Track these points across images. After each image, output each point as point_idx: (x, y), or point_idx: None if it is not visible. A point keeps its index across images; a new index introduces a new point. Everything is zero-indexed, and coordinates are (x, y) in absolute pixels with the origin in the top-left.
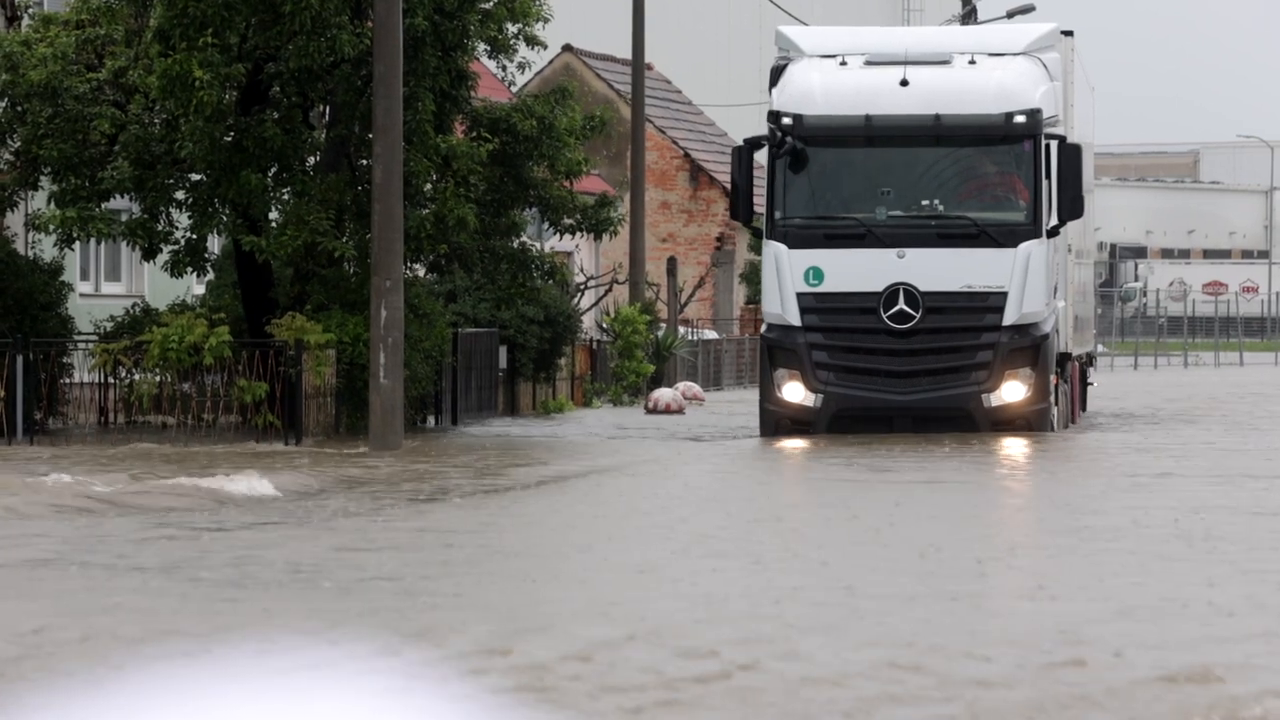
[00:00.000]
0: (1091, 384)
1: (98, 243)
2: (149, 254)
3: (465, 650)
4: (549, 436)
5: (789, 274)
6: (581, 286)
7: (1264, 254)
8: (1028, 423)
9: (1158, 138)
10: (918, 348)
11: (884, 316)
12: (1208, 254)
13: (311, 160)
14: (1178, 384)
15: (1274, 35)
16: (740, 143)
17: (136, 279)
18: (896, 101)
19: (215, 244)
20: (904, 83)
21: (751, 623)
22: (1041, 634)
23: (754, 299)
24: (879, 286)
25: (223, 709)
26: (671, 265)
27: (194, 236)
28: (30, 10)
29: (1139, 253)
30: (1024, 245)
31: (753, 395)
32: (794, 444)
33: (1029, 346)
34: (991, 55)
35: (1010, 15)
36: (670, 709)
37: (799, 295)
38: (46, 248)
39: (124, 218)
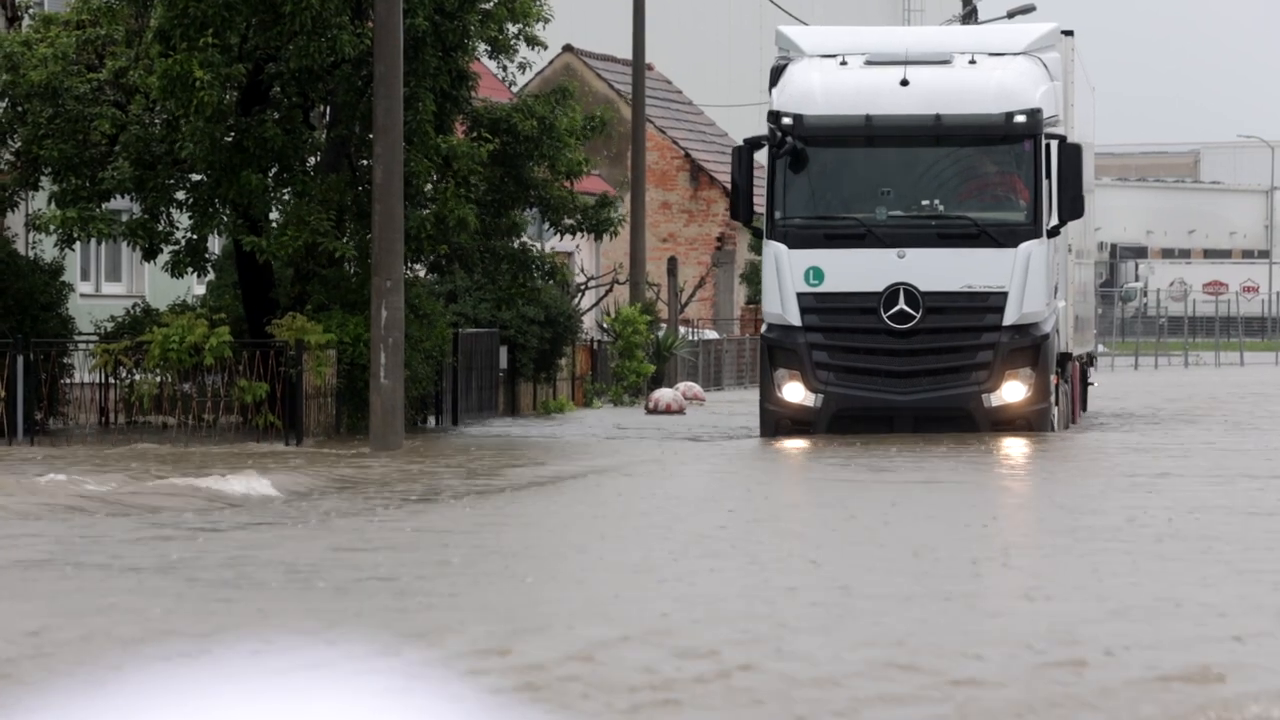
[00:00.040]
0: (1092, 384)
1: (98, 243)
2: (149, 254)
3: (464, 650)
4: (549, 437)
5: (789, 274)
6: (582, 287)
7: (1264, 254)
8: (1028, 423)
9: (1158, 138)
10: (918, 348)
11: (884, 316)
12: (1208, 254)
13: (312, 160)
14: (1178, 384)
15: (1275, 35)
16: (740, 143)
17: (137, 279)
18: (897, 101)
19: (216, 244)
20: (904, 83)
21: (749, 623)
22: (1036, 634)
23: (754, 299)
24: (879, 286)
25: (221, 709)
26: (672, 265)
27: (194, 237)
28: (31, 10)
29: (1139, 253)
30: (1024, 245)
31: (753, 395)
32: (794, 444)
33: (1029, 346)
34: (992, 55)
35: (1011, 15)
36: (668, 709)
37: (799, 295)
38: (47, 248)
39: (124, 218)
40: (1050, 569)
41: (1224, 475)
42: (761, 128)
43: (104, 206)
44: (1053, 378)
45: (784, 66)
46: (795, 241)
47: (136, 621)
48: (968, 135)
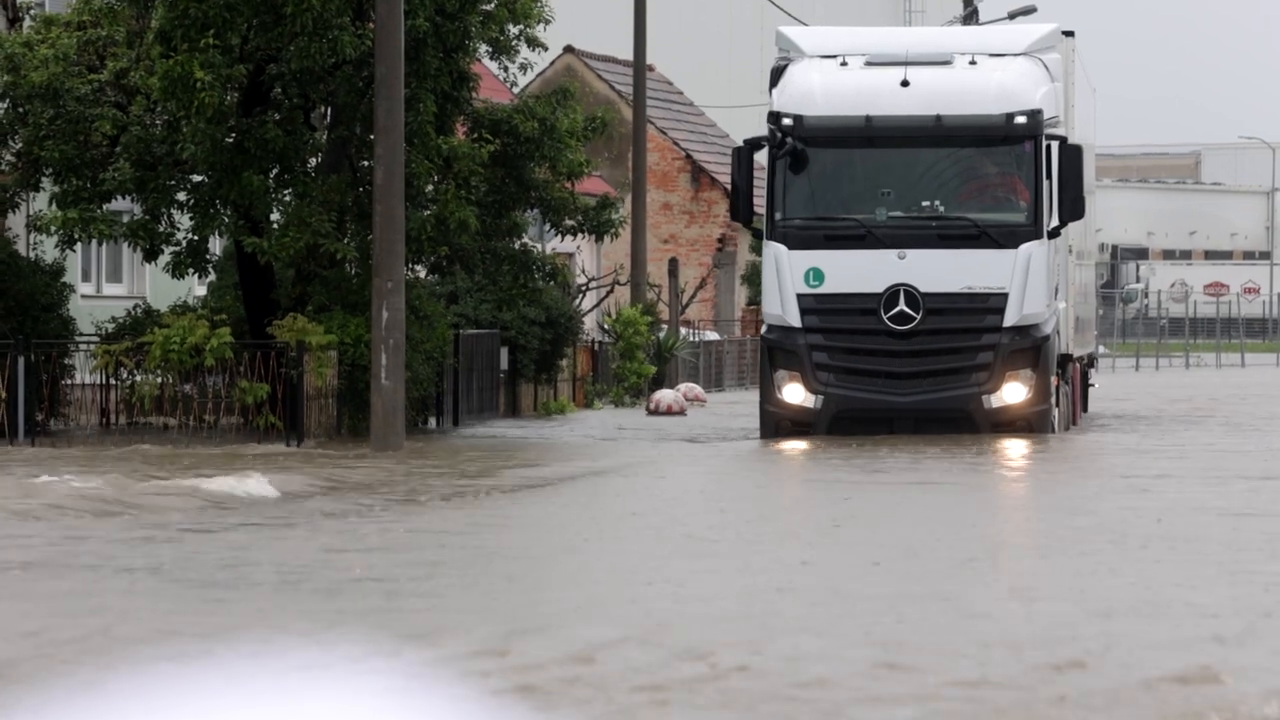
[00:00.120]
0: (1093, 385)
1: (99, 244)
2: (150, 255)
3: (462, 651)
4: (549, 438)
5: (789, 275)
6: (583, 288)
7: (1265, 255)
8: (1028, 424)
9: (1159, 139)
10: (918, 349)
11: (884, 318)
12: (1209, 255)
13: (313, 161)
14: (1179, 385)
15: (1275, 35)
16: (740, 143)
17: (138, 280)
18: (897, 102)
19: (217, 245)
20: (904, 83)
21: (746, 624)
22: (1034, 635)
23: (755, 300)
24: (879, 287)
25: (221, 710)
26: (673, 266)
27: (195, 238)
28: (32, 11)
29: (1140, 254)
30: (1025, 246)
31: (754, 397)
32: (793, 445)
33: (1030, 348)
34: (992, 56)
35: (1012, 16)
36: (666, 709)
37: (799, 296)
38: (48, 249)
39: (125, 219)
40: (1045, 570)
41: (1222, 476)
42: (762, 128)
43: (105, 207)
44: (1053, 379)
45: (784, 67)
46: (795, 242)
47: (135, 622)
48: (968, 136)
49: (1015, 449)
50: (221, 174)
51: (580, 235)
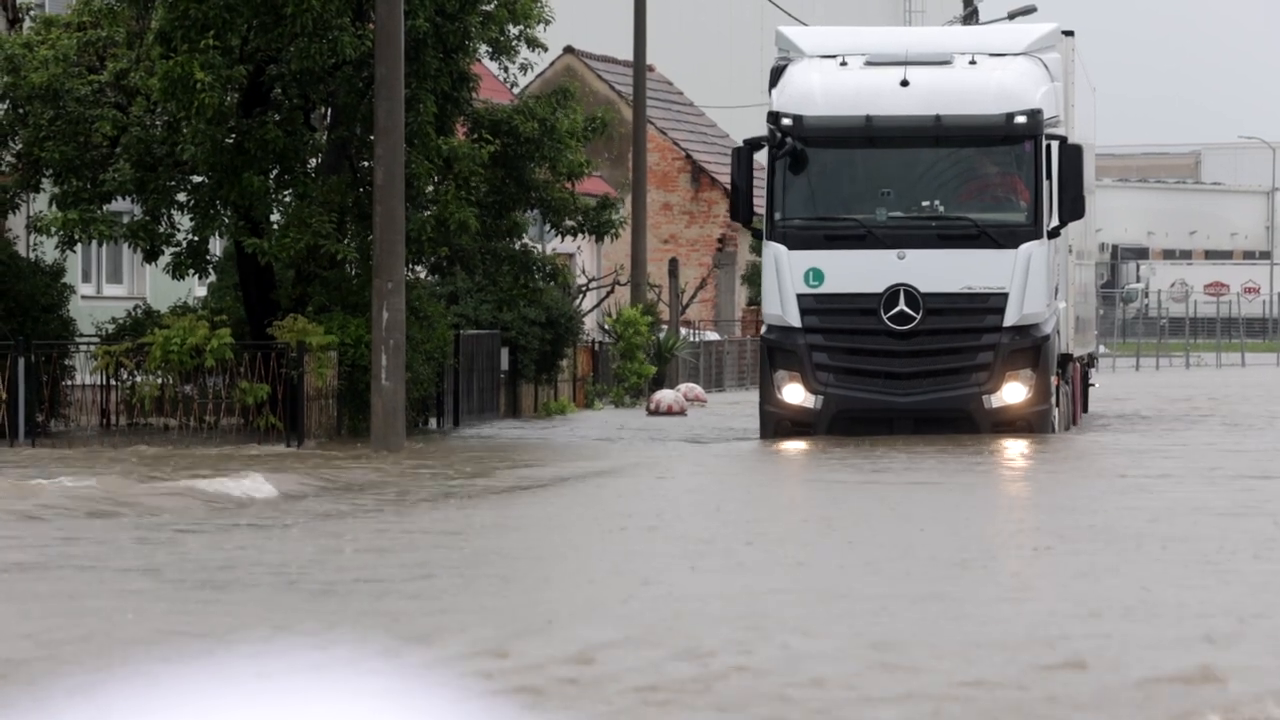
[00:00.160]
0: (1093, 385)
1: (99, 245)
2: (150, 256)
3: (462, 652)
4: (549, 438)
5: (789, 275)
6: (583, 288)
7: (1265, 255)
8: (1029, 424)
9: (1159, 139)
10: (918, 349)
11: (884, 318)
12: (1209, 255)
13: (313, 162)
14: (1179, 385)
15: (1276, 35)
16: (740, 144)
17: (138, 281)
18: (897, 102)
19: (217, 246)
20: (904, 83)
21: (745, 624)
22: (1032, 635)
23: (756, 300)
24: (879, 288)
25: (219, 711)
26: (673, 267)
27: (195, 238)
28: (32, 12)
29: (1140, 254)
30: (1025, 246)
31: (754, 397)
32: (792, 446)
33: (1030, 348)
34: (992, 55)
35: (1012, 16)
36: (665, 710)
37: (799, 296)
38: (48, 250)
39: (126, 220)
40: (1043, 570)
41: (1222, 477)
42: (762, 129)
43: (105, 208)
44: (1053, 379)
45: (784, 67)
46: (795, 242)
47: (134, 623)
48: (968, 136)
49: (1015, 449)
50: (222, 175)
51: (580, 236)
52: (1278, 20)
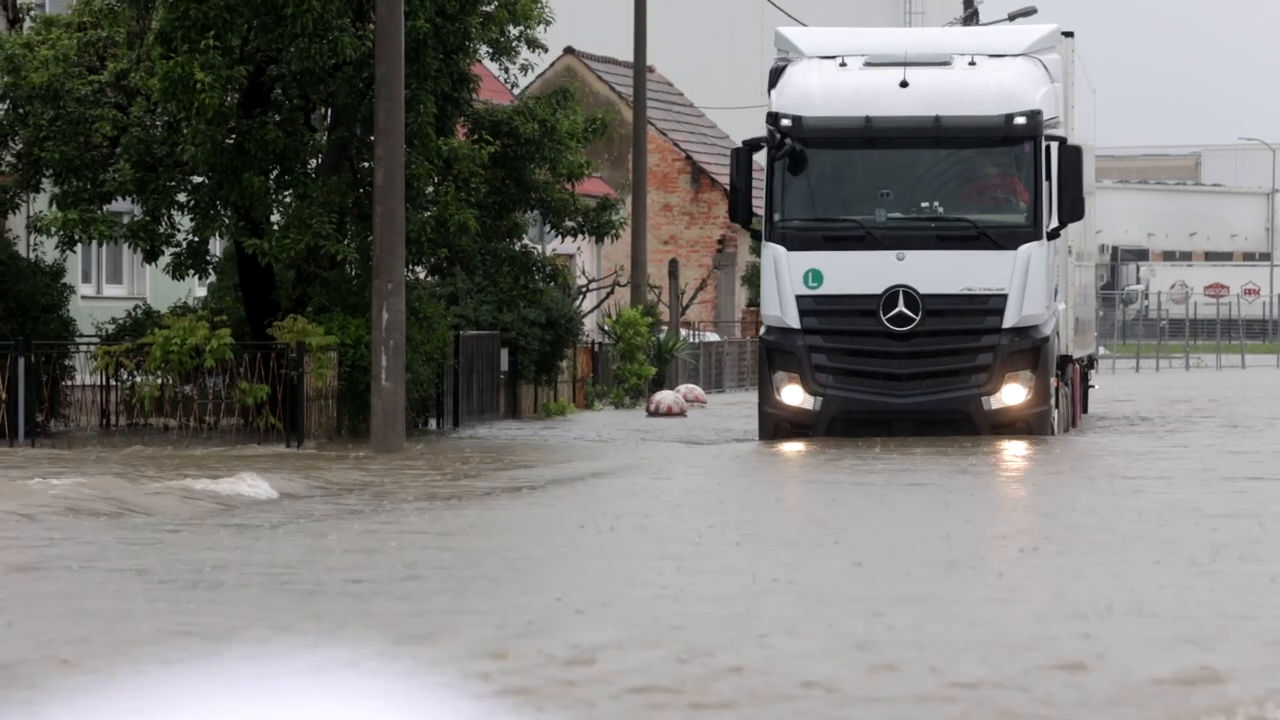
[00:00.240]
0: (1093, 386)
1: (99, 245)
2: (150, 256)
3: (460, 653)
4: (548, 439)
5: (788, 276)
6: (583, 289)
7: (1265, 256)
8: (1028, 426)
9: (1159, 139)
10: (917, 350)
11: (883, 319)
12: (1209, 256)
13: (313, 163)
14: (1179, 386)
15: (1276, 36)
16: (739, 144)
17: (138, 281)
18: (896, 103)
19: (217, 246)
20: (904, 84)
21: (742, 625)
22: (1030, 636)
23: (756, 301)
24: (878, 289)
25: (218, 712)
26: (673, 268)
27: (196, 239)
28: (32, 13)
29: (1140, 255)
30: (1024, 247)
31: (754, 398)
32: (791, 447)
33: (1029, 349)
34: (992, 56)
35: (1012, 18)
36: (663, 711)
37: (798, 298)
38: (48, 250)
39: (126, 220)
40: (1034, 572)
41: (1214, 479)
42: (762, 130)
43: (105, 208)
44: (1053, 380)
45: (783, 68)
46: (794, 244)
47: (133, 624)
48: (967, 137)
49: (1014, 450)
50: (222, 175)
51: (580, 236)
52: (1278, 21)
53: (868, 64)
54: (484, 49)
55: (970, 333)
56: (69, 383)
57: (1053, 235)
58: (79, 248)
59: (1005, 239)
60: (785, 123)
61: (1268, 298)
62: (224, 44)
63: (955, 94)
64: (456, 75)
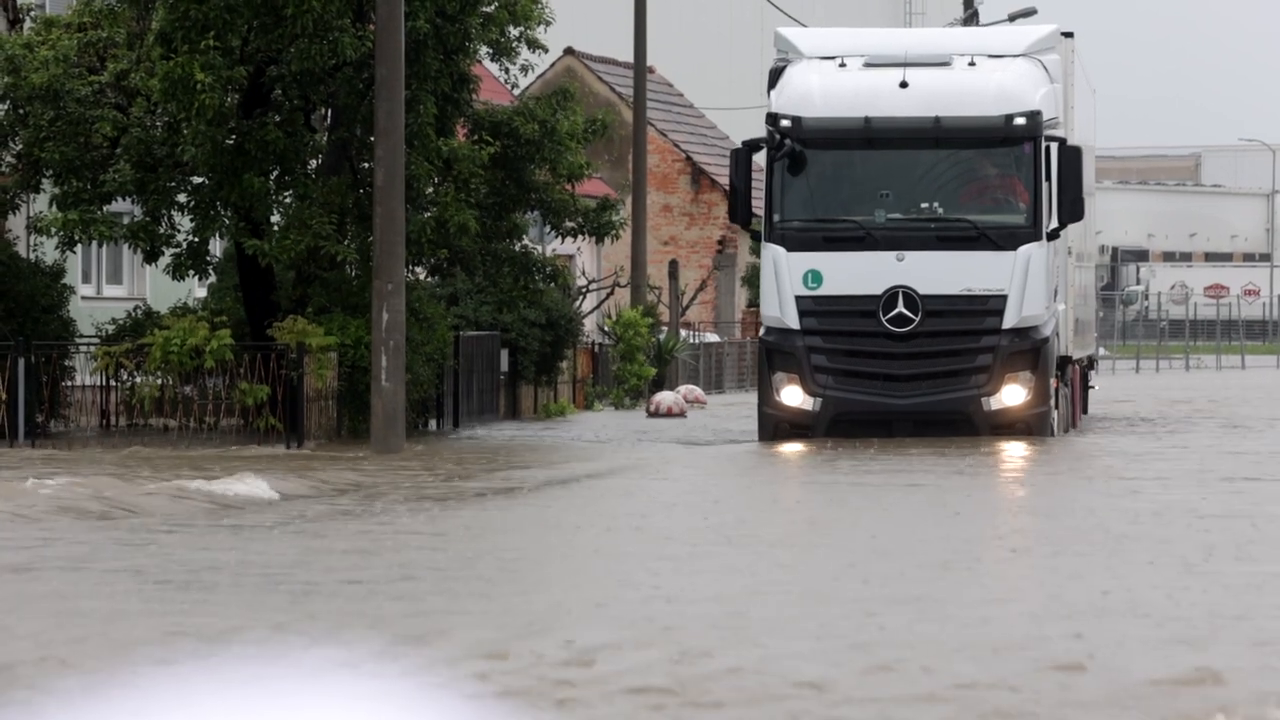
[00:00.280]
0: (1093, 387)
1: (99, 245)
2: (151, 257)
3: (459, 654)
4: (548, 440)
5: (787, 277)
6: (583, 290)
7: (1265, 257)
8: (1028, 426)
9: (1159, 140)
10: (917, 351)
11: (883, 320)
12: (1209, 257)
13: (313, 163)
14: (1179, 387)
15: (1276, 36)
16: (739, 145)
17: (138, 282)
18: (896, 103)
19: (217, 247)
20: (903, 84)
21: (740, 626)
22: (1029, 637)
23: (756, 302)
24: (878, 289)
25: (217, 713)
26: (673, 268)
27: (196, 239)
28: (32, 13)
29: (1141, 256)
30: (1024, 248)
31: (754, 399)
32: (790, 448)
33: (1029, 350)
34: (991, 57)
35: (1012, 18)
36: (662, 712)
37: (797, 298)
38: (48, 250)
39: (126, 220)
40: (1028, 572)
41: (1212, 480)
42: (763, 130)
43: (105, 209)
44: (1052, 381)
45: (782, 68)
46: (794, 244)
47: (132, 624)
48: (967, 137)
49: (1013, 451)
50: (222, 176)
51: (580, 237)
52: (1278, 21)
53: (867, 64)
54: (484, 49)
55: (970, 333)
56: (69, 383)
57: (1052, 236)
58: (79, 248)
59: (1005, 240)
60: (785, 123)
61: (1268, 298)
62: (224, 44)
63: (955, 94)
64: (457, 76)
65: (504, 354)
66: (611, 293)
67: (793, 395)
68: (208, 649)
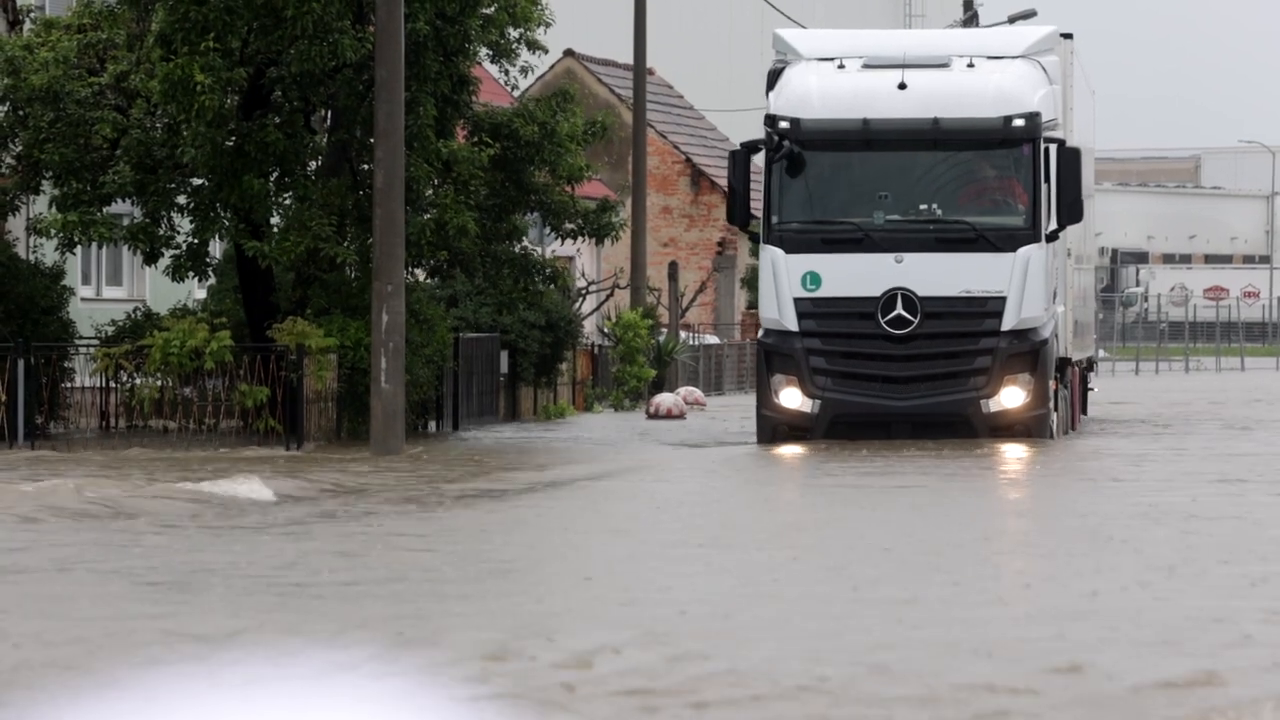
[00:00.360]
0: (1092, 389)
1: (99, 247)
2: (150, 258)
3: (459, 656)
4: (547, 442)
5: (786, 279)
6: (583, 291)
7: (1265, 259)
8: (1026, 428)
9: (1159, 140)
10: (916, 353)
11: (882, 322)
12: (1209, 259)
13: (313, 165)
14: (1179, 389)
15: (1276, 36)
16: (738, 146)
17: (138, 283)
18: (894, 105)
19: (217, 248)
20: (902, 86)
21: (739, 627)
22: (1027, 638)
23: (755, 304)
24: (877, 291)
25: (217, 714)
26: (673, 270)
27: (195, 241)
28: (32, 14)
29: (1140, 258)
30: (1023, 250)
31: (753, 400)
32: (787, 450)
33: (1028, 352)
34: (990, 58)
35: (1012, 20)
36: (658, 713)
37: (796, 300)
38: (48, 252)
39: (125, 222)
40: (1031, 574)
41: (1210, 481)
42: (762, 132)
43: (105, 210)
44: (1051, 383)
45: (781, 70)
46: (792, 246)
47: (132, 625)
48: (966, 139)
49: (1011, 453)
50: (222, 177)
51: (580, 239)
52: (1278, 21)
53: (866, 66)
54: (484, 51)
55: (969, 335)
56: (68, 385)
57: (1051, 237)
58: (79, 250)
59: (1004, 241)
60: (783, 125)
61: (1267, 300)
62: (224, 46)
63: (953, 96)
64: (456, 77)
65: (504, 356)
66: (611, 294)
67: (791, 397)
68: (206, 651)
